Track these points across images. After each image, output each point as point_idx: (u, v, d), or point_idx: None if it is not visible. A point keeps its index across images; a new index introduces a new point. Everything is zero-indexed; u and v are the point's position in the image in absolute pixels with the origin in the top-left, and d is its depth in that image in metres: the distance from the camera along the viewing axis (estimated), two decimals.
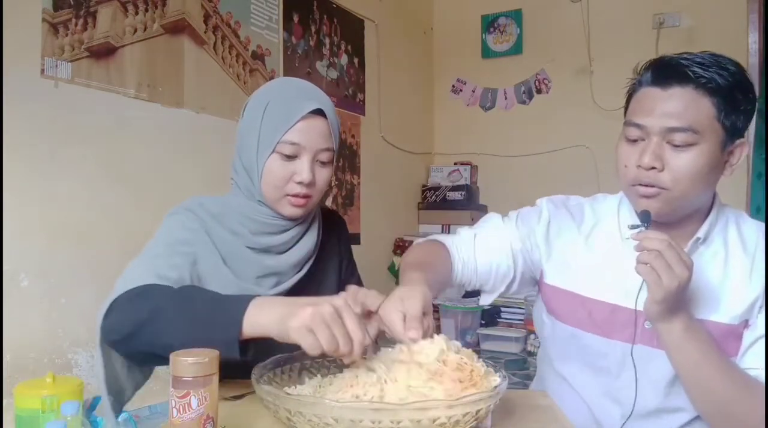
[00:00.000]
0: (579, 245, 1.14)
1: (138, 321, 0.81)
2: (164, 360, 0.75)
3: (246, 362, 0.81)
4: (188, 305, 0.81)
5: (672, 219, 1.03)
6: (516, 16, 3.21)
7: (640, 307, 1.00)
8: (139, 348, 0.83)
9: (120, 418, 0.83)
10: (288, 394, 0.69)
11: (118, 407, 0.93)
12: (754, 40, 2.65)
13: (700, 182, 0.98)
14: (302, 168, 1.00)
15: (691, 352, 0.95)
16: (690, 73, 0.95)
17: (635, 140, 1.01)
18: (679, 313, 0.94)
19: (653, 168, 0.97)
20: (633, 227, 0.97)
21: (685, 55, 0.98)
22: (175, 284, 0.89)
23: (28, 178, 1.46)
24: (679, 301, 0.92)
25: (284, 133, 0.99)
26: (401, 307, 0.83)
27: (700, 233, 1.04)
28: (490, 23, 3.28)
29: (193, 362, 0.64)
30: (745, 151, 1.01)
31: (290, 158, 1.01)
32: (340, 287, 1.18)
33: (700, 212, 1.06)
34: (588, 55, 2.98)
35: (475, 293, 3.02)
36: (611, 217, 1.14)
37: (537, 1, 3.16)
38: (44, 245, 1.48)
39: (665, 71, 0.98)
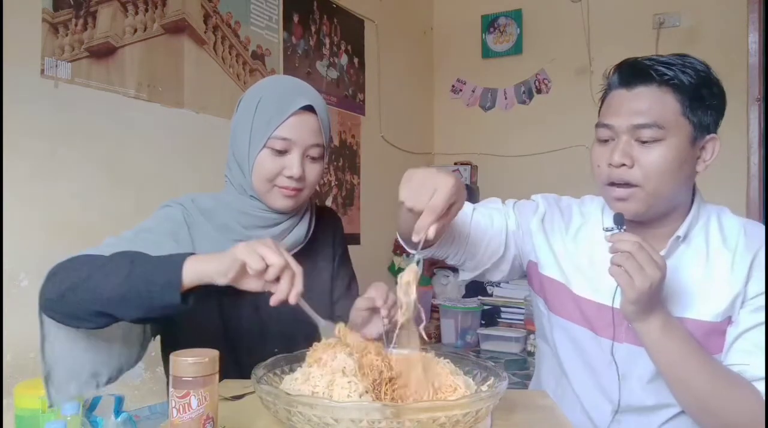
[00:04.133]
0: (568, 244, 1.17)
1: (76, 277, 0.85)
2: (104, 318, 0.84)
3: (244, 362, 0.81)
4: (127, 258, 0.86)
5: (650, 218, 1.04)
6: (516, 16, 3.21)
7: (618, 306, 1.01)
8: (76, 304, 0.85)
9: (120, 418, 0.83)
10: (288, 394, 0.69)
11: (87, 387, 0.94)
12: (754, 40, 2.65)
13: (672, 178, 0.99)
14: (292, 163, 1.03)
15: (670, 349, 0.96)
16: (652, 72, 0.99)
17: (606, 141, 1.04)
18: (655, 312, 0.95)
19: (623, 165, 0.99)
20: (607, 229, 0.99)
21: (650, 57, 1.02)
22: None
23: (28, 178, 1.46)
24: (653, 300, 0.94)
25: (275, 128, 1.02)
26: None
27: (680, 232, 1.05)
28: (490, 23, 3.28)
29: (193, 362, 0.64)
30: (717, 147, 1.03)
31: (281, 153, 1.03)
32: (332, 283, 1.19)
33: (680, 211, 1.07)
34: (588, 55, 2.98)
35: (475, 294, 3.01)
36: (596, 218, 1.17)
37: (537, 1, 3.16)
38: (44, 245, 1.48)
39: (629, 72, 1.02)
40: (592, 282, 1.11)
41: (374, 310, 0.97)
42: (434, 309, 2.82)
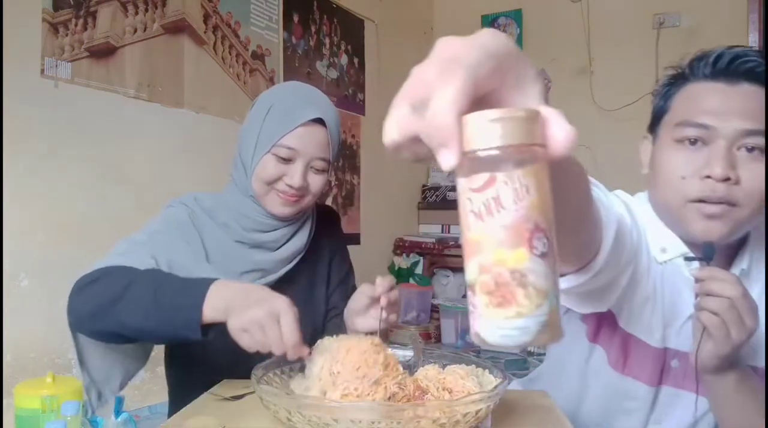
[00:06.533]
0: (639, 267, 0.91)
1: (102, 301, 0.85)
2: (131, 339, 0.88)
3: (244, 362, 0.81)
4: (151, 286, 0.85)
5: (723, 245, 0.86)
6: (516, 16, 3.21)
7: (669, 345, 0.91)
8: (104, 327, 0.87)
9: (120, 418, 0.83)
10: (288, 394, 0.69)
11: (112, 391, 0.96)
12: (754, 40, 2.65)
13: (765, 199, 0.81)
14: (294, 172, 1.02)
15: (740, 404, 0.84)
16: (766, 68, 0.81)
17: (694, 143, 0.83)
18: (735, 364, 0.82)
19: (727, 179, 0.79)
20: (690, 258, 0.83)
21: (755, 49, 0.85)
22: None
23: (28, 178, 1.46)
24: (739, 352, 0.80)
25: (282, 136, 1.01)
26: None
27: (744, 264, 0.87)
28: (490, 23, 3.28)
29: (499, 117, 0.34)
30: None
31: (285, 161, 1.02)
32: (329, 281, 1.19)
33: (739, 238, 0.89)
34: (588, 55, 2.98)
35: None
36: (650, 231, 0.93)
37: (537, 1, 3.16)
38: (44, 245, 1.48)
39: (737, 64, 0.83)
40: (643, 319, 0.91)
41: (374, 301, 0.95)
42: (434, 309, 2.82)
